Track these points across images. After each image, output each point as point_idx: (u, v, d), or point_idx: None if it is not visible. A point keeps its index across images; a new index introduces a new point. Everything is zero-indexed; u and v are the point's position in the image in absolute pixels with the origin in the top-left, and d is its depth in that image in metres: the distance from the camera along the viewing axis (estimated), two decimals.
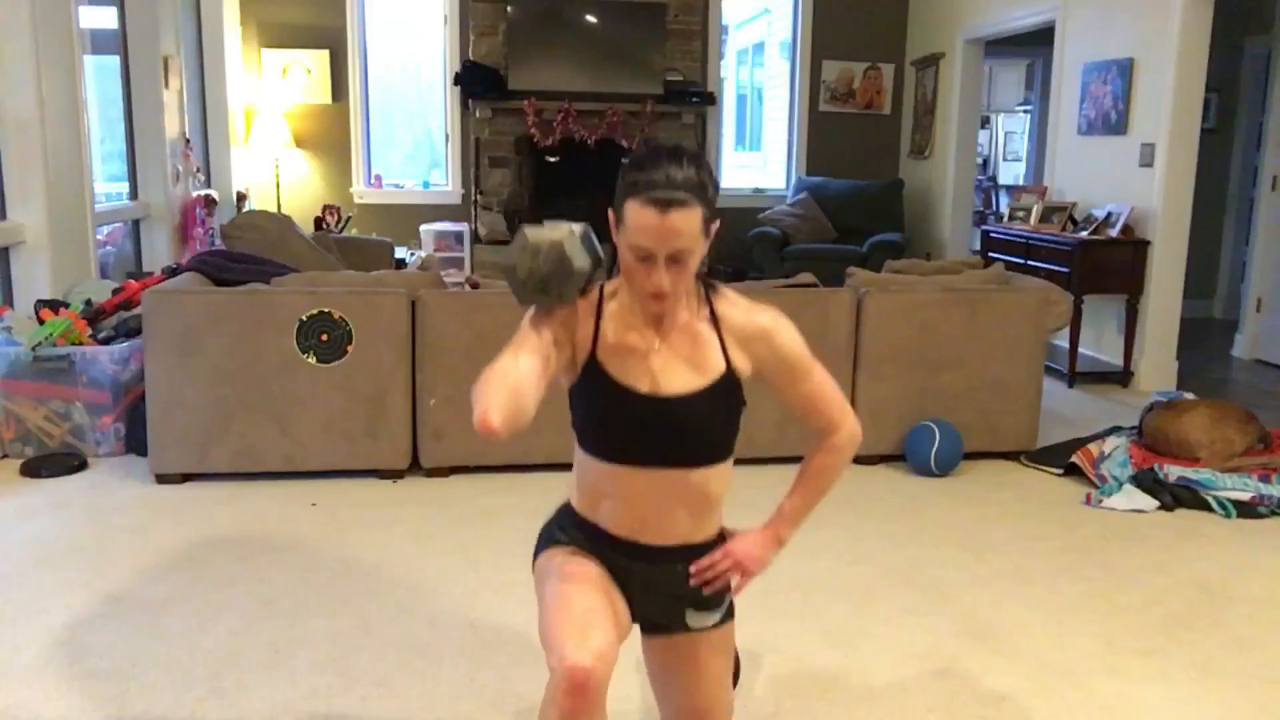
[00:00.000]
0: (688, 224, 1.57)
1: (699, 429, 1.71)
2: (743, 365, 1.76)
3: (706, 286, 1.77)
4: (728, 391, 1.74)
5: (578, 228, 1.64)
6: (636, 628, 1.85)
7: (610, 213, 1.66)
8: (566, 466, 1.93)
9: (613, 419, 1.71)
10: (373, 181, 8.07)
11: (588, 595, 1.67)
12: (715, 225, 1.65)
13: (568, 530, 1.82)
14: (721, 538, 1.85)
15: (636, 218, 1.57)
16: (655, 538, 1.75)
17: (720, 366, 1.73)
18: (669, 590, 1.79)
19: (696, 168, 1.59)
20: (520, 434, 1.62)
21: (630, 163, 1.62)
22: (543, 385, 1.65)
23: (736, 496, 3.92)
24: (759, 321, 1.76)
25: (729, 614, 1.87)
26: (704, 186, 1.59)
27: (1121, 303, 5.78)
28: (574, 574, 1.73)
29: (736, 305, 1.77)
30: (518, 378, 1.59)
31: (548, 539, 1.83)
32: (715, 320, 1.75)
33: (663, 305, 1.65)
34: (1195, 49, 5.37)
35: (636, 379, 1.70)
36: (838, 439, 1.85)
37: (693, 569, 1.77)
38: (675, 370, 1.71)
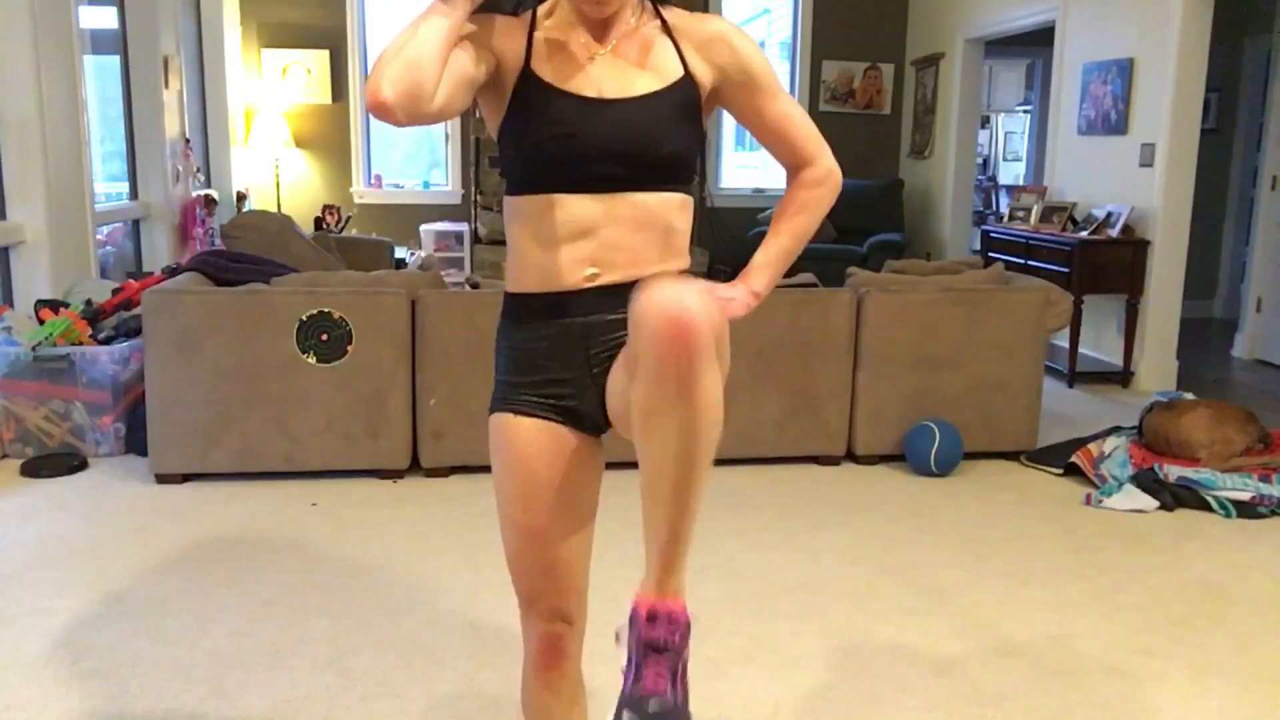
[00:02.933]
0: None
1: (655, 137, 1.52)
2: (701, 72, 1.58)
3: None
4: (687, 100, 1.56)
5: None
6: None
7: None
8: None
9: (551, 135, 1.51)
10: (373, 181, 8.07)
11: (547, 539, 1.59)
12: None
13: (514, 365, 1.61)
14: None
15: None
16: (620, 273, 1.54)
17: (677, 70, 1.56)
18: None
19: None
20: (419, 116, 1.41)
21: None
22: (448, 78, 1.42)
23: (737, 496, 3.94)
24: (714, 25, 1.61)
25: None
26: None
27: (1121, 303, 5.78)
28: (527, 499, 1.58)
29: (689, 15, 1.62)
30: (416, 47, 1.39)
31: (498, 395, 1.63)
32: (667, 28, 1.59)
33: (603, 2, 1.50)
34: (1195, 49, 5.37)
35: (579, 85, 1.52)
36: (815, 172, 1.64)
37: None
38: (625, 75, 1.54)
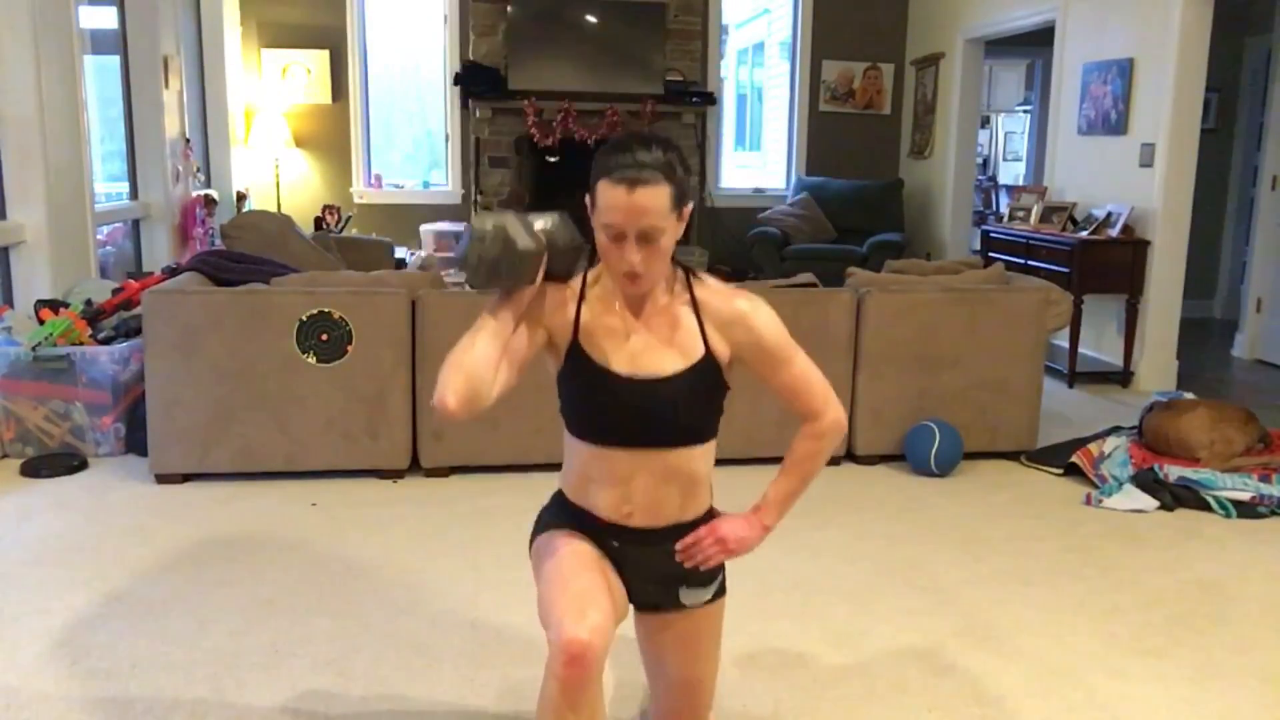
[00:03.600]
0: (655, 201, 1.64)
1: (678, 410, 1.76)
2: (721, 349, 1.79)
3: (687, 272, 1.82)
4: (707, 375, 1.78)
5: (552, 215, 1.72)
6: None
7: (586, 198, 1.72)
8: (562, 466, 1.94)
9: (594, 401, 1.77)
10: (373, 181, 8.07)
11: (584, 573, 1.74)
12: (688, 208, 1.73)
13: (562, 515, 1.89)
14: (711, 516, 1.91)
15: (606, 197, 1.65)
16: (645, 520, 1.82)
17: (699, 350, 1.77)
18: (662, 570, 1.85)
19: (664, 150, 1.66)
20: (480, 415, 1.72)
21: (603, 149, 1.69)
22: (504, 369, 1.73)
23: (737, 497, 3.92)
24: (737, 306, 1.80)
25: (721, 590, 1.94)
26: (671, 167, 1.67)
27: (1121, 303, 5.78)
28: (571, 553, 1.78)
29: (716, 291, 1.82)
30: (473, 361, 1.67)
31: (544, 523, 1.91)
32: (695, 305, 1.80)
33: (638, 285, 1.70)
34: (1195, 49, 5.37)
35: (616, 361, 1.76)
36: (820, 425, 1.88)
37: (678, 546, 1.82)
38: (654, 353, 1.77)
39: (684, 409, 1.77)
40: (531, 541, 1.92)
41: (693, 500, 1.86)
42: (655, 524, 1.83)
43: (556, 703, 1.64)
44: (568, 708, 1.64)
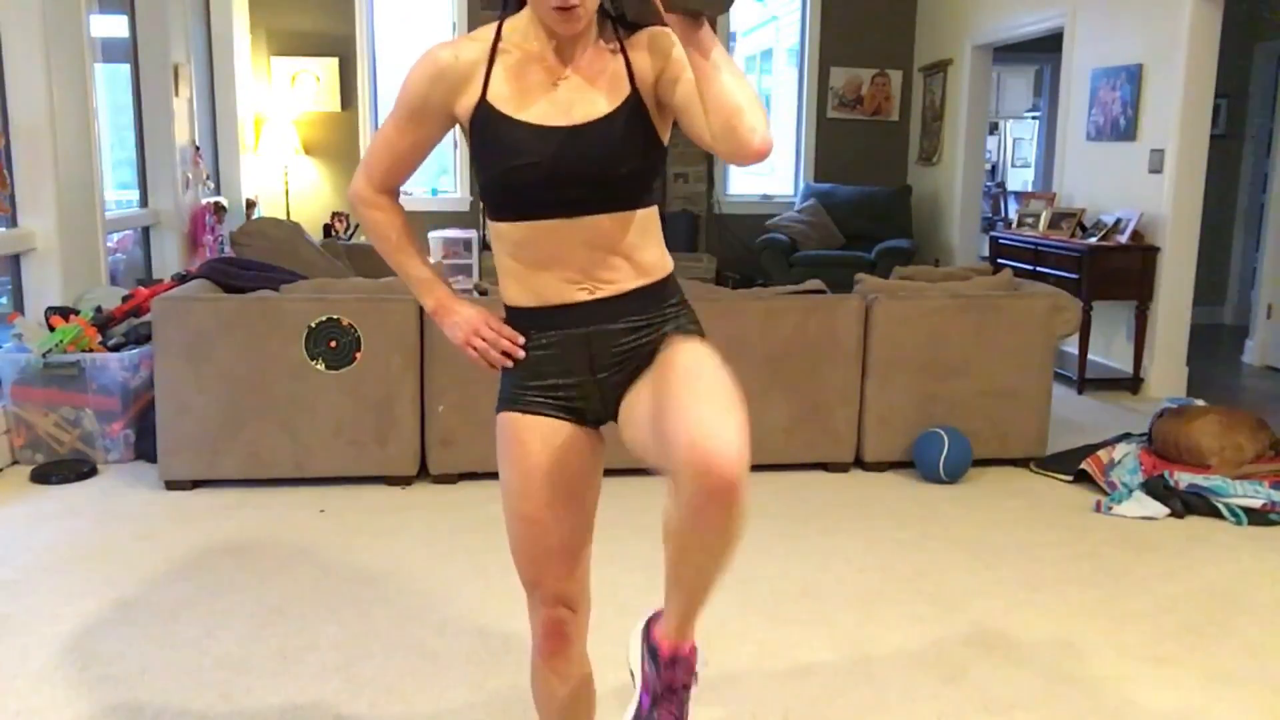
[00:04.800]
0: None
1: (613, 160, 1.56)
2: (646, 77, 1.59)
3: (616, 21, 1.64)
4: (635, 115, 1.58)
5: None
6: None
7: None
8: None
9: (516, 164, 1.56)
10: None
11: (547, 528, 1.66)
12: None
13: (520, 375, 1.67)
14: (676, 281, 1.72)
15: None
16: (612, 288, 1.62)
17: (626, 89, 1.59)
18: (640, 348, 1.64)
19: None
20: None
21: None
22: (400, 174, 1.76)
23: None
24: (657, 30, 1.62)
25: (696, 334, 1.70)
26: None
27: (1131, 309, 5.76)
28: (525, 474, 1.64)
29: (646, 31, 1.63)
30: (385, 251, 1.78)
31: (503, 392, 1.70)
32: (623, 44, 1.61)
33: (572, 19, 1.51)
34: (1204, 54, 5.36)
35: (538, 113, 1.57)
36: None
37: None
38: (586, 97, 1.58)
39: (619, 157, 1.56)
40: (497, 409, 1.71)
41: (651, 265, 1.65)
42: (615, 292, 1.62)
43: (542, 671, 1.76)
44: (551, 672, 1.75)
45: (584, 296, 1.61)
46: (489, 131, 1.58)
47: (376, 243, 1.79)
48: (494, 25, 1.63)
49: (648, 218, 1.64)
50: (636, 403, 1.60)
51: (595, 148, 1.56)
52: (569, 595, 1.71)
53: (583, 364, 1.63)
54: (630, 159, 1.58)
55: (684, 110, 1.54)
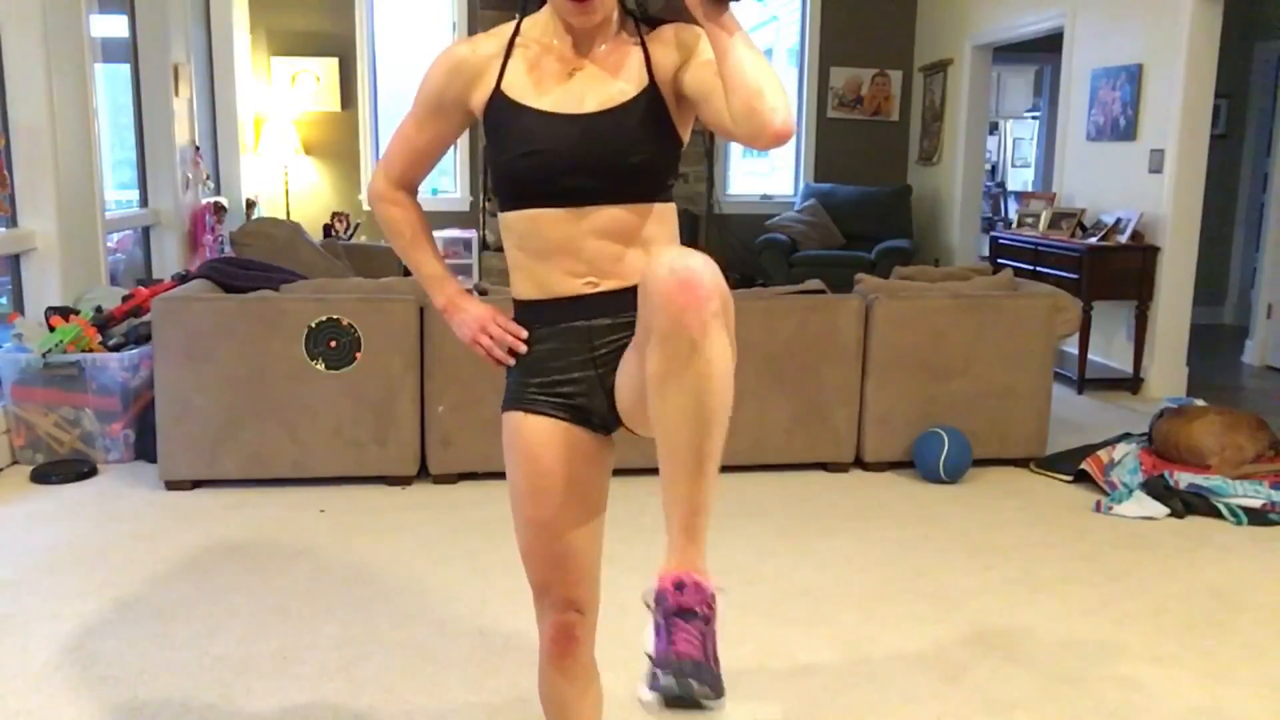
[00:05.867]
0: None
1: (622, 149, 1.56)
2: (665, 71, 1.59)
3: (638, 18, 1.65)
4: (652, 106, 1.58)
5: None
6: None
7: None
8: None
9: (524, 151, 1.57)
10: None
11: (557, 532, 1.65)
12: None
13: (526, 373, 1.66)
14: None
15: None
16: (616, 281, 1.60)
17: (644, 78, 1.58)
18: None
19: None
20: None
21: None
22: (418, 170, 1.77)
23: (746, 503, 3.93)
24: (680, 27, 1.62)
25: None
26: None
27: (1131, 309, 5.76)
28: (534, 474, 1.63)
29: (669, 25, 1.64)
30: (398, 245, 1.80)
31: (509, 392, 1.70)
32: (643, 37, 1.62)
33: (587, 11, 1.53)
34: (1204, 54, 5.36)
35: (550, 101, 1.58)
36: None
37: None
38: (601, 87, 1.58)
39: (632, 145, 1.56)
40: (503, 407, 1.71)
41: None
42: (625, 283, 1.59)
43: (550, 674, 1.75)
44: (560, 675, 1.74)
45: (587, 290, 1.60)
46: (502, 120, 1.59)
47: (392, 239, 1.80)
48: (513, 23, 1.64)
49: (664, 213, 1.63)
50: (623, 361, 1.59)
51: (607, 136, 1.55)
52: (579, 599, 1.71)
53: (585, 360, 1.62)
54: (642, 149, 1.57)
55: (703, 98, 1.52)
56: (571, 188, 1.56)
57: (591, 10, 1.53)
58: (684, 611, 1.35)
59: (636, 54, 1.60)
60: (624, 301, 1.57)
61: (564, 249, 1.59)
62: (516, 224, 1.62)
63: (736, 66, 1.40)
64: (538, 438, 1.63)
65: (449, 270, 1.82)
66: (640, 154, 1.57)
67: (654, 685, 1.32)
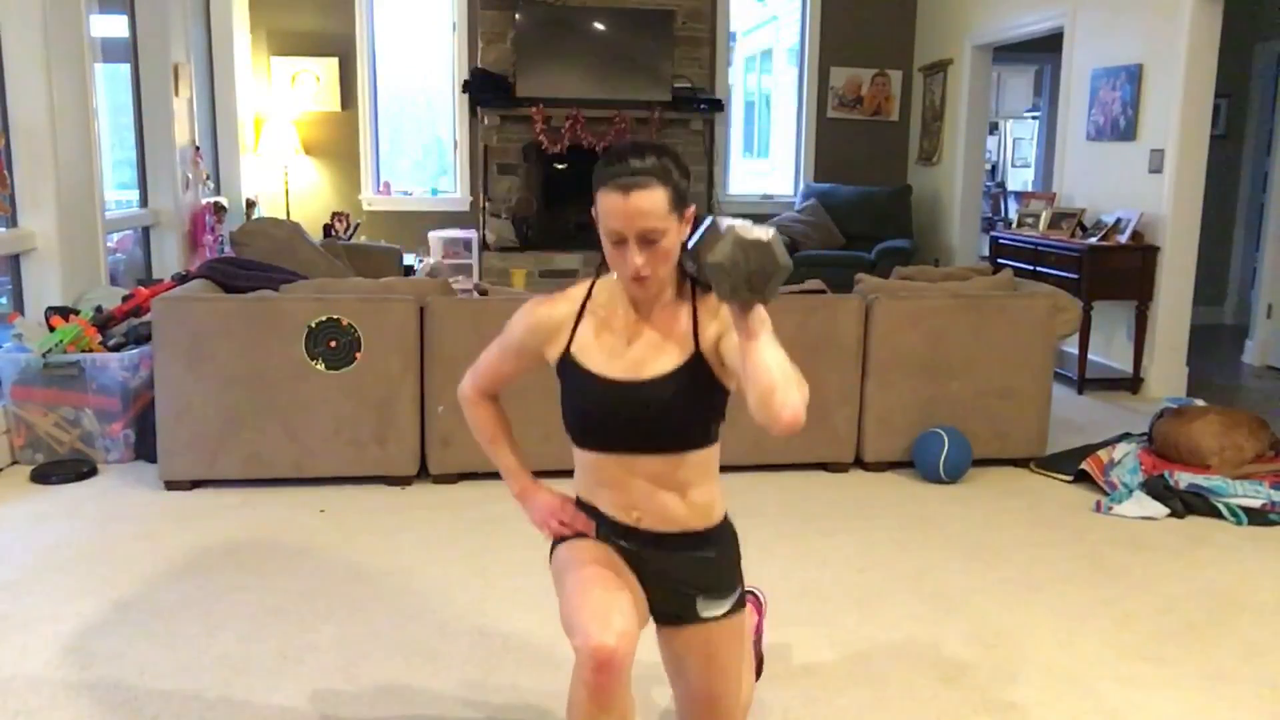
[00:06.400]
0: (652, 203, 1.67)
1: (667, 412, 1.78)
2: (710, 339, 1.78)
3: (694, 280, 1.81)
4: (697, 372, 1.78)
5: (771, 230, 1.58)
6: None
7: (592, 211, 1.76)
8: (573, 473, 1.95)
9: (584, 408, 1.82)
10: (381, 188, 8.09)
11: (607, 580, 1.77)
12: (690, 210, 1.75)
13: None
14: (726, 526, 1.92)
15: (605, 204, 1.69)
16: (654, 523, 1.84)
17: (691, 348, 1.79)
18: (679, 578, 1.86)
19: (658, 156, 1.70)
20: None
21: (601, 160, 1.73)
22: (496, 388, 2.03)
23: (745, 503, 3.93)
24: None
25: (739, 604, 1.92)
26: (666, 170, 1.70)
27: (1131, 309, 5.76)
28: (593, 560, 1.83)
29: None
30: (484, 443, 2.05)
31: (562, 539, 1.94)
32: (694, 304, 1.81)
33: (645, 287, 1.74)
34: (1204, 54, 5.36)
35: (609, 367, 1.81)
36: None
37: None
38: (652, 355, 1.80)
39: (673, 410, 1.78)
40: (551, 551, 1.95)
41: (700, 507, 1.86)
42: (665, 528, 1.85)
43: (587, 708, 1.69)
44: (599, 709, 1.68)
45: (632, 522, 1.85)
46: (570, 378, 1.85)
47: (476, 434, 2.05)
48: (588, 283, 1.88)
49: (702, 460, 1.83)
50: (668, 652, 1.92)
51: (653, 401, 1.77)
52: (627, 629, 1.69)
53: (629, 567, 1.87)
54: (685, 411, 1.78)
55: (737, 369, 1.69)
56: (621, 439, 1.80)
57: (648, 286, 1.74)
58: None
59: (686, 319, 1.80)
60: (664, 541, 1.85)
61: (614, 486, 1.85)
62: (580, 455, 1.89)
63: (755, 367, 1.58)
64: (591, 547, 1.88)
65: (523, 465, 2.04)
66: (683, 414, 1.79)
67: None
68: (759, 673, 1.86)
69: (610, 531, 1.88)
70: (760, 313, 1.58)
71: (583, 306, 1.86)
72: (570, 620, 1.71)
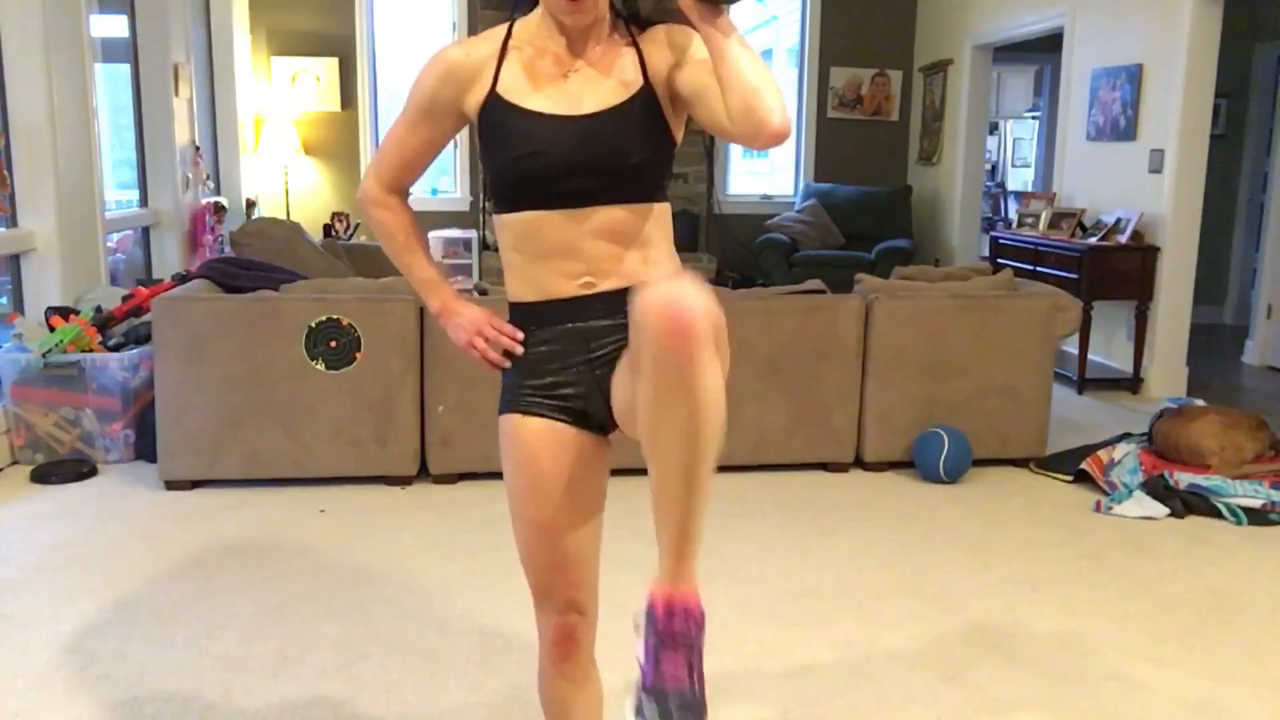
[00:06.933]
0: None
1: (621, 149, 1.56)
2: (659, 72, 1.60)
3: (629, 19, 1.66)
4: (648, 107, 1.59)
5: None
6: None
7: None
8: None
9: (522, 153, 1.57)
10: None
11: (558, 534, 1.67)
12: None
13: (524, 374, 1.66)
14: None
15: None
16: (614, 281, 1.60)
17: (639, 81, 1.60)
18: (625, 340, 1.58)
19: None
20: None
21: None
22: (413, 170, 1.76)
23: (745, 503, 3.93)
24: (673, 27, 1.62)
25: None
26: None
27: (1131, 309, 5.76)
28: (533, 476, 1.64)
29: (661, 26, 1.65)
30: (391, 250, 1.81)
31: (506, 394, 1.69)
32: (636, 40, 1.63)
33: (580, 8, 1.54)
34: (1204, 54, 5.36)
35: (548, 103, 1.58)
36: None
37: None
38: (596, 88, 1.59)
39: (631, 145, 1.56)
40: (499, 410, 1.70)
41: (653, 264, 1.62)
42: (623, 284, 1.58)
43: (551, 676, 1.76)
44: (561, 677, 1.76)
45: (583, 291, 1.60)
46: (498, 122, 1.59)
47: (384, 243, 1.80)
48: (505, 25, 1.64)
49: (661, 213, 1.64)
50: (619, 370, 1.58)
51: (605, 137, 1.56)
52: (579, 600, 1.72)
53: (582, 362, 1.62)
54: (640, 150, 1.58)
55: (697, 98, 1.52)
56: (571, 189, 1.56)
57: (584, 9, 1.53)
58: (672, 637, 1.36)
59: (630, 55, 1.61)
60: (621, 303, 1.52)
61: (563, 250, 1.59)
62: (513, 225, 1.61)
63: (733, 67, 1.41)
64: (535, 440, 1.63)
65: (443, 274, 1.81)
66: (639, 154, 1.58)
67: (639, 713, 1.36)
68: (703, 713, 1.38)
69: (556, 317, 1.62)
70: (729, 19, 1.43)
71: (504, 44, 1.62)
72: (525, 570, 1.73)
